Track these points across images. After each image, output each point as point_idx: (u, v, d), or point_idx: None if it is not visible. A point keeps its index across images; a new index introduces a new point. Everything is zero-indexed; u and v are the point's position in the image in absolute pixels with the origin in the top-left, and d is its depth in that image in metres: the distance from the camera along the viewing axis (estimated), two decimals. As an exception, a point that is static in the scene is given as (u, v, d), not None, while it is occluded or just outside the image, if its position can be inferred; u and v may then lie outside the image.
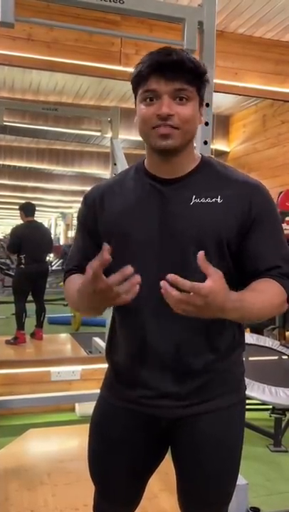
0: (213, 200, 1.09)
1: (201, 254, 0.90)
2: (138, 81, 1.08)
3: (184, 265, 1.04)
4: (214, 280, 0.91)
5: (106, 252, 0.89)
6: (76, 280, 1.14)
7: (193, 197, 1.10)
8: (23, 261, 5.14)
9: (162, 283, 0.90)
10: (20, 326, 5.16)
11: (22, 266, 5.14)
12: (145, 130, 1.10)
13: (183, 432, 1.18)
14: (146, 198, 1.14)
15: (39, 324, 5.40)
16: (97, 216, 1.19)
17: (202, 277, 0.91)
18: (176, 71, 1.04)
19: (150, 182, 1.15)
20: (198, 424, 1.16)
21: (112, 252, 0.91)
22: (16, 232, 5.41)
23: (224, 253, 1.10)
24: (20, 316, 5.17)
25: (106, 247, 0.90)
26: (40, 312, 5.40)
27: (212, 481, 1.19)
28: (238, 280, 1.11)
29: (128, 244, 1.12)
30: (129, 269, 0.92)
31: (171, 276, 0.90)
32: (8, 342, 5.06)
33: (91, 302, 1.00)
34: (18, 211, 5.41)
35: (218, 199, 1.09)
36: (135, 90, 1.11)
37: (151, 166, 1.17)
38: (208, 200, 1.10)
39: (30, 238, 5.19)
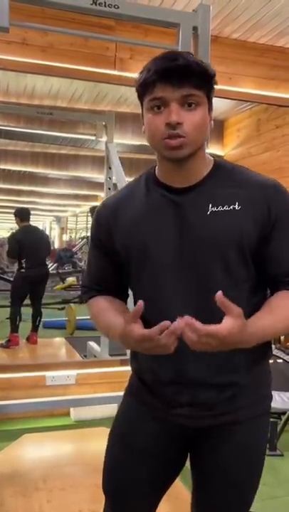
0: (231, 207, 1.05)
1: (218, 294, 0.89)
2: (144, 89, 1.04)
3: (207, 279, 1.04)
4: (233, 321, 0.91)
5: (139, 308, 0.94)
6: (104, 307, 1.17)
7: (210, 205, 1.06)
8: (23, 265, 5.14)
9: (179, 325, 0.90)
10: (14, 329, 5.16)
11: (23, 270, 5.14)
12: (155, 140, 1.05)
13: (208, 442, 1.16)
14: (161, 209, 1.09)
15: (34, 328, 5.39)
16: (113, 234, 1.15)
17: (229, 295, 0.92)
18: (183, 76, 0.99)
19: (163, 192, 1.11)
20: (224, 433, 1.14)
21: (133, 270, 1.03)
22: (14, 237, 5.42)
23: (247, 261, 1.07)
24: (14, 319, 5.17)
25: (140, 304, 0.94)
26: (36, 316, 5.40)
27: (233, 491, 1.17)
28: (262, 287, 1.11)
29: (147, 260, 1.09)
30: (167, 323, 0.92)
31: (187, 321, 0.90)
32: (1, 346, 5.05)
33: (127, 346, 1.03)
34: (14, 217, 5.44)
35: (236, 206, 1.05)
36: (141, 98, 1.07)
37: (163, 174, 1.12)
38: (226, 207, 1.05)
39: (28, 242, 5.21)
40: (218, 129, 6.27)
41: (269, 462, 2.93)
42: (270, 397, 1.22)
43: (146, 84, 1.02)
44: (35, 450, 2.89)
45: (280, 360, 3.68)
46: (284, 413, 3.22)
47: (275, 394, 3.05)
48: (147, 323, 0.97)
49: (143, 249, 1.09)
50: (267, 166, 5.47)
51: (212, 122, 1.10)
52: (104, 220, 1.17)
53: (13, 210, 5.62)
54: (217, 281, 0.96)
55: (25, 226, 5.35)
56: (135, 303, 1.03)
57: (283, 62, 3.88)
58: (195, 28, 2.33)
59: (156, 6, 3.16)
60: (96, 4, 2.16)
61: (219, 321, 0.92)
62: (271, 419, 3.04)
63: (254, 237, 1.05)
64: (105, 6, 2.17)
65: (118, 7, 2.19)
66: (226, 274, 1.05)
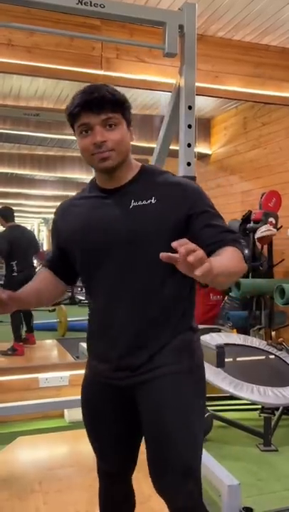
0: (148, 201, 1.32)
1: (162, 254, 1.01)
2: (73, 118, 1.31)
3: (135, 259, 1.31)
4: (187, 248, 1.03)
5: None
6: (36, 278, 1.52)
7: (132, 201, 1.32)
8: (14, 268, 4.97)
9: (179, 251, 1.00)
10: (19, 337, 5.05)
11: (14, 274, 4.97)
12: (87, 157, 1.32)
13: (139, 398, 1.37)
14: (97, 207, 1.39)
15: (30, 329, 5.31)
16: (59, 230, 1.48)
17: (145, 270, 1.30)
18: (100, 105, 1.26)
19: (98, 194, 1.40)
20: (146, 388, 1.34)
21: (74, 258, 1.41)
22: (4, 237, 5.16)
23: (166, 241, 1.17)
24: (18, 326, 5.05)
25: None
26: (29, 318, 5.32)
27: (161, 442, 1.32)
28: None
29: (87, 247, 1.38)
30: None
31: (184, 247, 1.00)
32: (4, 353, 4.92)
33: None
34: None
35: (153, 200, 1.32)
36: (72, 125, 1.33)
37: (99, 181, 1.41)
38: (144, 202, 1.32)
39: (19, 243, 5.08)
40: (205, 128, 6.29)
41: (264, 457, 2.97)
42: (194, 362, 1.40)
43: (74, 115, 1.29)
44: (30, 452, 2.87)
45: (272, 356, 3.70)
46: (277, 409, 3.25)
47: (268, 390, 3.09)
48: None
49: (77, 237, 1.40)
50: (254, 163, 5.50)
51: (133, 136, 1.37)
52: (56, 217, 1.51)
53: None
54: (140, 261, 1.24)
55: (13, 226, 5.20)
56: (83, 281, 1.47)
57: (268, 59, 3.90)
58: (181, 27, 2.34)
59: (141, 5, 3.16)
60: (82, 4, 2.16)
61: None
62: (265, 415, 3.08)
63: (171, 223, 1.30)
64: (91, 5, 2.18)
65: (104, 6, 2.20)
66: (147, 255, 1.29)
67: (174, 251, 1.13)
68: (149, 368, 1.34)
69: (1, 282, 9.81)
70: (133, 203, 1.32)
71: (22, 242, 5.16)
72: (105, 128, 1.28)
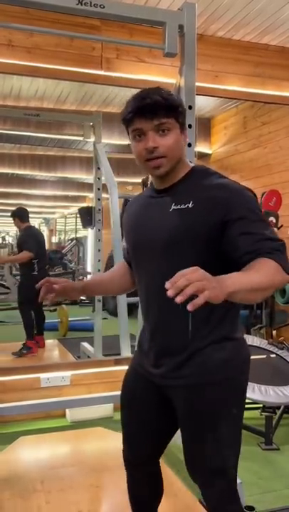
0: (186, 205, 1.30)
1: (167, 283, 1.01)
2: (126, 123, 1.34)
3: (166, 267, 1.26)
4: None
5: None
6: (112, 269, 1.72)
7: (173, 204, 1.33)
8: (35, 267, 4.90)
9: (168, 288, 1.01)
10: (32, 336, 5.03)
11: (35, 273, 4.88)
12: (141, 162, 1.35)
13: (172, 397, 1.41)
14: (146, 206, 1.44)
15: (41, 331, 5.30)
16: (123, 224, 1.56)
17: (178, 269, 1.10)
18: (153, 110, 1.27)
19: (152, 194, 1.43)
20: (177, 391, 1.38)
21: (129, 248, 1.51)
22: (31, 235, 5.08)
23: (196, 246, 1.28)
24: (31, 325, 5.04)
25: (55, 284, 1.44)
26: (42, 320, 5.31)
27: (189, 444, 1.38)
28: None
29: (134, 245, 1.46)
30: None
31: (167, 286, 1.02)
32: (18, 353, 4.86)
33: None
34: (12, 218, 5.17)
35: (190, 204, 1.30)
36: (126, 129, 1.36)
37: (153, 181, 1.44)
38: (182, 206, 1.31)
39: (41, 242, 5.15)
40: (205, 127, 6.30)
41: (265, 456, 2.96)
42: (230, 374, 1.38)
43: (128, 120, 1.32)
44: (32, 452, 2.88)
45: (273, 355, 3.71)
46: (278, 407, 3.25)
47: (269, 389, 3.09)
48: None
49: (129, 235, 1.49)
50: (254, 162, 5.50)
51: (187, 139, 1.38)
52: (123, 213, 1.61)
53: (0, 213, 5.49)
54: (172, 267, 1.13)
55: (30, 226, 5.23)
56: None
57: (268, 59, 3.91)
58: (181, 27, 2.34)
59: (141, 5, 3.17)
60: (81, 4, 2.16)
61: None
62: (266, 414, 3.08)
63: (205, 229, 1.26)
64: (91, 5, 2.18)
65: (104, 6, 2.20)
66: (178, 263, 1.20)
67: (205, 258, 1.23)
68: (176, 375, 1.37)
69: (4, 282, 10.01)
70: (173, 207, 1.33)
71: (42, 241, 5.23)
72: (158, 133, 1.29)
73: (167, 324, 1.36)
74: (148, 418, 1.50)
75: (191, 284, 0.97)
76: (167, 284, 0.99)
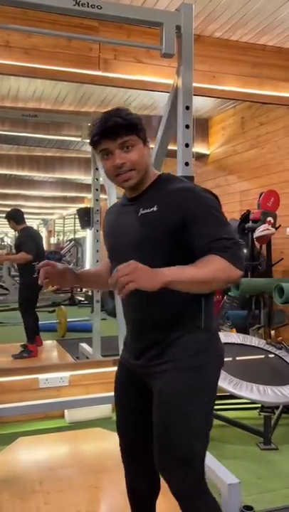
0: (151, 209, 1.44)
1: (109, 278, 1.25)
2: (94, 145, 1.48)
3: (142, 262, 1.32)
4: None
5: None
6: (99, 266, 1.83)
7: (141, 209, 1.46)
8: (36, 269, 4.89)
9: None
10: (32, 339, 4.99)
11: (35, 275, 4.84)
12: (111, 178, 1.49)
13: (150, 386, 1.51)
14: (120, 214, 1.59)
15: (36, 331, 5.30)
16: (103, 231, 1.69)
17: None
18: (115, 131, 1.41)
19: (125, 202, 1.58)
20: (153, 379, 1.48)
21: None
22: (29, 236, 5.02)
23: (162, 245, 1.41)
24: (33, 328, 5.01)
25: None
26: (36, 320, 5.31)
27: (158, 429, 1.44)
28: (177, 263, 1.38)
29: (110, 248, 1.62)
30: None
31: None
32: (19, 356, 4.84)
33: None
34: (7, 221, 5.06)
35: (155, 208, 1.43)
36: (95, 150, 1.50)
37: (125, 191, 1.58)
38: (148, 210, 1.44)
39: (39, 243, 5.10)
40: (203, 128, 6.30)
41: (264, 456, 2.97)
42: (200, 360, 1.46)
43: (94, 142, 1.46)
44: (31, 453, 2.88)
45: (272, 355, 3.71)
46: (277, 407, 3.26)
47: (267, 389, 3.09)
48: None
49: (109, 243, 1.63)
50: (252, 163, 5.51)
51: (150, 152, 1.53)
52: (104, 218, 1.73)
53: (-1, 214, 5.47)
54: (141, 260, 1.26)
55: (27, 227, 5.14)
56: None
57: (265, 59, 3.91)
58: (178, 27, 2.34)
59: (138, 6, 3.17)
60: (79, 5, 2.16)
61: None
62: (265, 414, 3.08)
63: (169, 230, 1.39)
64: (88, 6, 2.18)
65: (101, 7, 2.20)
66: (149, 261, 1.30)
67: (173, 256, 1.38)
68: (153, 364, 1.48)
69: (2, 283, 10.01)
70: (141, 211, 1.46)
71: (40, 242, 5.18)
72: (123, 150, 1.43)
73: (144, 318, 1.51)
74: (132, 406, 1.62)
75: (124, 275, 1.19)
76: (109, 279, 1.22)
